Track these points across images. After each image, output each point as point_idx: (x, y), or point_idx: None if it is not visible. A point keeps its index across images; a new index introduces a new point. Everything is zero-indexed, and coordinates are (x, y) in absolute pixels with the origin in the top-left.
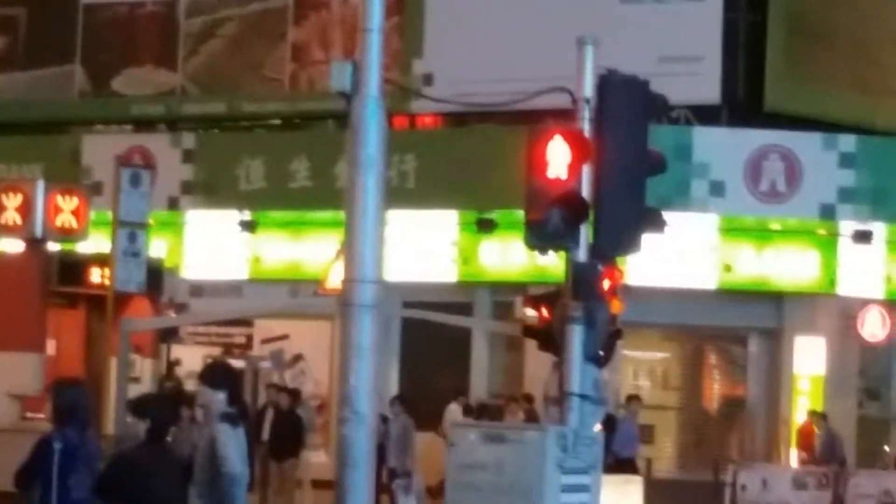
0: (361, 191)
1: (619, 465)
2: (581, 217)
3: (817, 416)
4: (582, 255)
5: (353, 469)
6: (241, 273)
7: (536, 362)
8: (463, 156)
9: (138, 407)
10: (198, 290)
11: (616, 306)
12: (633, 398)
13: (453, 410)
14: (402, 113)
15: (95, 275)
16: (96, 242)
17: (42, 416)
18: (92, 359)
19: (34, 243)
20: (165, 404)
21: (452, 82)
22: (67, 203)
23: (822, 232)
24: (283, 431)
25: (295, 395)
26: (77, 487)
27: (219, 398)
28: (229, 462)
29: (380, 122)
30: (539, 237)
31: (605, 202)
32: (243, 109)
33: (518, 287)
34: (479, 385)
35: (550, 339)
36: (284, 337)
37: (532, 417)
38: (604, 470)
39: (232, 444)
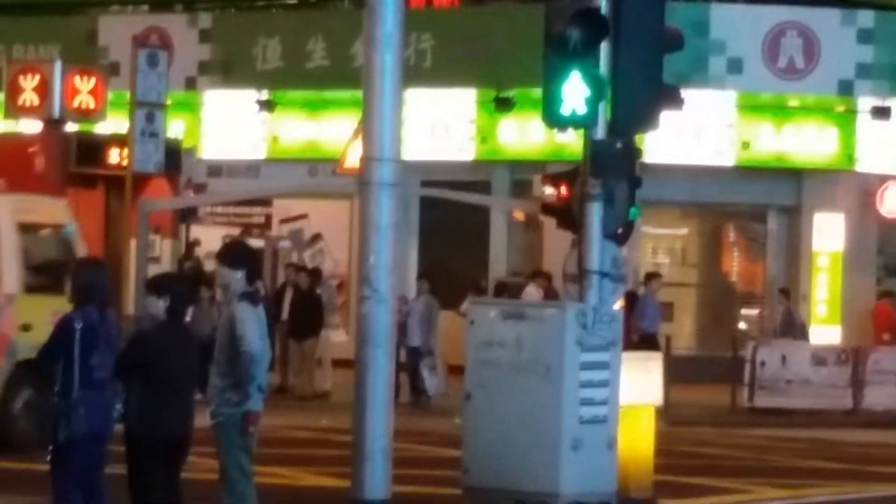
0: (379, 70)
1: (643, 341)
2: (600, 34)
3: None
4: (600, 132)
5: (374, 347)
6: (259, 153)
7: (555, 240)
8: (480, 34)
9: (157, 285)
10: (216, 169)
11: None
12: (652, 275)
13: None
14: None
15: (114, 155)
16: (114, 123)
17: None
18: (111, 239)
19: (52, 124)
20: (183, 283)
21: None
22: (85, 84)
23: (840, 108)
24: (302, 311)
25: (315, 274)
26: (99, 367)
27: (237, 277)
28: (248, 341)
29: (397, 1)
30: (560, 53)
31: (623, 79)
32: None
33: (536, 165)
34: (498, 264)
35: (569, 216)
36: (303, 216)
37: (551, 295)
38: (628, 347)
39: (251, 324)
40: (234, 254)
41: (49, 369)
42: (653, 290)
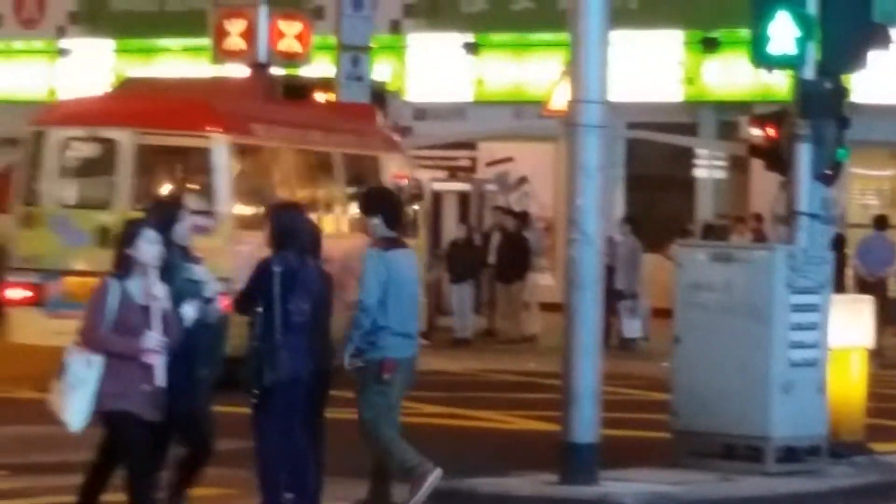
0: (585, 11)
1: (867, 286)
2: None
3: None
4: (809, 72)
5: (582, 290)
6: (464, 96)
7: (762, 182)
8: None
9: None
10: (421, 113)
11: None
12: (881, 218)
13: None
14: None
15: (320, 98)
16: (320, 67)
17: None
18: None
19: (258, 68)
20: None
21: None
22: (290, 27)
23: None
24: (509, 254)
25: (522, 217)
26: (297, 312)
27: (374, 223)
28: (362, 290)
29: None
30: None
31: (832, 19)
32: None
33: (743, 106)
34: (705, 206)
35: (777, 158)
36: (509, 159)
37: (760, 237)
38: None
39: (370, 272)
40: (369, 200)
41: (246, 313)
42: (883, 232)
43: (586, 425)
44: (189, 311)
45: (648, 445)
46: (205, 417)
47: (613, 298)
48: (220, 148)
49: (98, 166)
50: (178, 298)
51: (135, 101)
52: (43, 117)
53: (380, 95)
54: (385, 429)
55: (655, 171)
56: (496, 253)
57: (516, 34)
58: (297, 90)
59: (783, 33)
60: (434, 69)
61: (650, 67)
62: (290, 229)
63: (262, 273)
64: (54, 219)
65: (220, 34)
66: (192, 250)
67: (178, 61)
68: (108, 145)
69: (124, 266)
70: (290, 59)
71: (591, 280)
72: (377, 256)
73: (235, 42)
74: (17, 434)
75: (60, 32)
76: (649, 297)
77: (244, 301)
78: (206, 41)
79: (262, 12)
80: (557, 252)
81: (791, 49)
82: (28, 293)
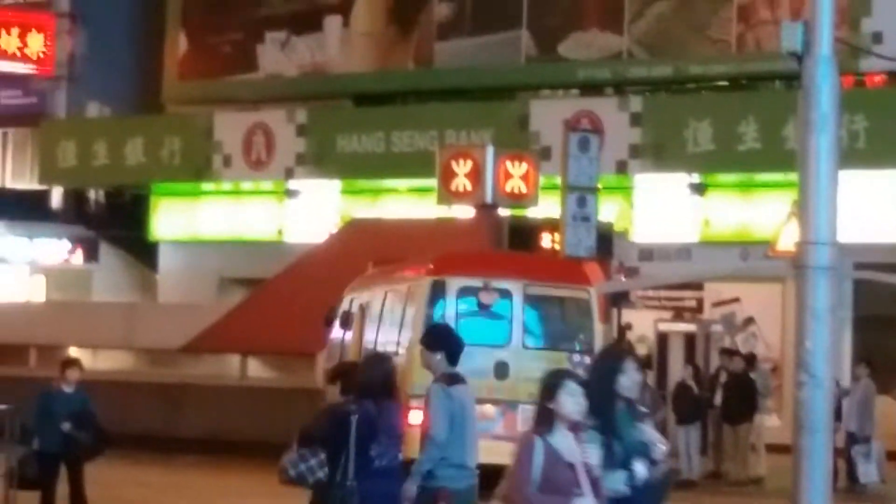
0: (814, 152)
1: None
2: None
3: None
4: None
5: (811, 433)
6: (690, 236)
7: None
8: None
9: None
10: (647, 253)
11: None
12: None
13: None
14: (851, 72)
15: (546, 239)
16: (546, 207)
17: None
18: None
19: (485, 209)
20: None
21: None
22: (517, 168)
23: None
24: (736, 395)
25: (749, 358)
26: (379, 457)
27: (437, 359)
28: (431, 424)
29: (833, 82)
30: None
31: None
32: (690, 71)
33: None
34: None
35: None
36: (735, 300)
37: None
38: None
39: (438, 407)
40: (432, 336)
41: (320, 451)
42: None
43: None
44: (641, 469)
45: None
46: None
47: (845, 441)
48: (593, 299)
49: (493, 310)
50: (625, 455)
51: (521, 258)
52: (440, 268)
53: (606, 236)
54: None
55: (884, 312)
56: (722, 394)
57: (743, 174)
58: (524, 232)
59: None
60: (660, 209)
61: (878, 207)
62: (370, 378)
63: (338, 420)
64: None
65: (447, 175)
66: (636, 404)
67: (405, 202)
68: (503, 293)
69: (547, 421)
70: (517, 200)
71: (820, 423)
72: (443, 391)
73: (462, 183)
74: None
75: (288, 174)
76: (882, 439)
77: (318, 442)
78: (432, 182)
79: (489, 153)
80: (784, 393)
81: None
82: None
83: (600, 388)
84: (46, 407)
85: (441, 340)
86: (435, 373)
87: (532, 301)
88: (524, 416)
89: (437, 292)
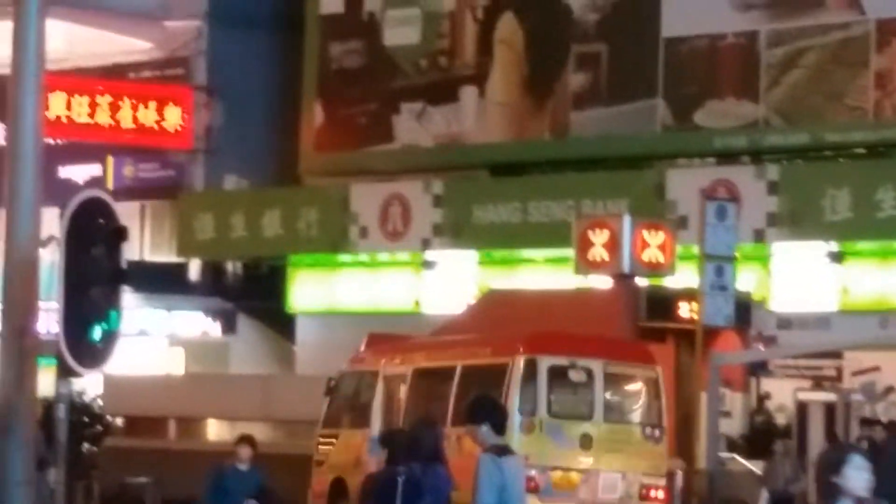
0: None
1: None
2: None
3: None
4: None
5: None
6: (829, 304)
7: None
8: None
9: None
10: (785, 322)
11: None
12: None
13: None
14: None
15: (683, 309)
16: (683, 276)
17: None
18: (682, 393)
19: (622, 278)
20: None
21: None
22: (654, 238)
23: None
24: (877, 464)
25: (890, 427)
26: None
27: (482, 430)
28: (478, 491)
29: None
30: None
31: None
32: (827, 139)
33: None
34: None
35: None
36: (875, 368)
37: None
38: None
39: (483, 478)
40: (476, 408)
41: None
42: None
43: None
44: None
45: None
46: None
47: None
48: (660, 377)
49: (578, 387)
50: None
51: (599, 339)
52: (533, 348)
53: (744, 305)
54: None
55: None
56: None
57: (882, 242)
58: (661, 301)
59: None
60: (798, 278)
61: None
62: (416, 440)
63: (386, 482)
64: (549, 426)
65: (584, 245)
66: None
67: (541, 272)
68: (586, 371)
69: (831, 496)
70: (654, 269)
71: None
72: (491, 461)
73: (599, 253)
74: None
75: (425, 244)
76: None
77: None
78: (569, 252)
79: (626, 223)
80: None
81: None
82: (528, 482)
83: (822, 481)
84: (220, 485)
85: (486, 412)
86: (483, 445)
87: (610, 379)
88: (605, 483)
89: (530, 370)
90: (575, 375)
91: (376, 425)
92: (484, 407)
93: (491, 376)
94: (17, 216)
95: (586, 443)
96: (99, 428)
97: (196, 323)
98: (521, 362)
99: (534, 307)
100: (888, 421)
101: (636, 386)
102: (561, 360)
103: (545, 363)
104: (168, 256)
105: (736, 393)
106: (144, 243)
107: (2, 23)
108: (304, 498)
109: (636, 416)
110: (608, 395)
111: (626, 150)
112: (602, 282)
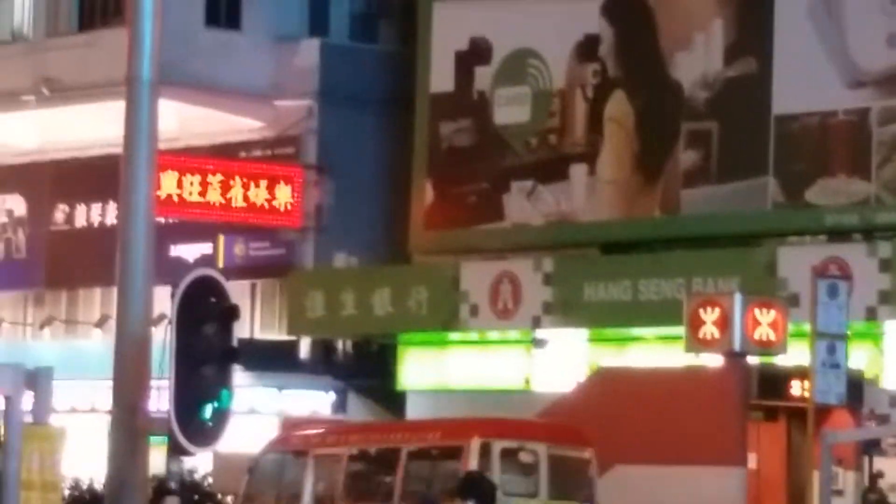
0: None
1: None
2: None
3: None
4: None
5: None
6: None
7: None
8: None
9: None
10: None
11: None
12: None
13: None
14: None
15: (795, 387)
16: (795, 354)
17: None
18: (793, 472)
19: (733, 357)
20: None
21: None
22: (765, 316)
23: None
24: None
25: None
26: None
27: None
28: None
29: None
30: None
31: None
32: None
33: None
34: None
35: None
36: None
37: None
38: None
39: None
40: (464, 486)
41: None
42: None
43: None
44: None
45: None
46: None
47: None
48: (592, 458)
49: (525, 467)
50: None
51: (544, 426)
52: (487, 432)
53: (856, 383)
54: None
55: None
56: None
57: None
58: (773, 379)
59: None
60: None
61: None
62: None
63: None
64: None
65: (695, 323)
66: None
67: (652, 350)
68: (532, 453)
69: None
70: (766, 347)
71: None
72: None
73: (710, 331)
74: None
75: (535, 322)
76: None
77: None
78: (679, 330)
79: (737, 301)
80: None
81: None
82: None
83: None
84: None
85: (474, 486)
86: None
87: (553, 460)
88: None
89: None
90: (524, 457)
91: None
92: (473, 482)
93: (441, 458)
94: (129, 295)
95: None
96: None
97: (306, 401)
98: (476, 445)
99: (646, 385)
100: None
101: (573, 466)
102: (511, 444)
103: (498, 446)
104: (278, 335)
105: (848, 471)
106: (255, 322)
107: (115, 103)
108: None
109: (575, 493)
110: (551, 475)
111: (736, 228)
112: (713, 360)
